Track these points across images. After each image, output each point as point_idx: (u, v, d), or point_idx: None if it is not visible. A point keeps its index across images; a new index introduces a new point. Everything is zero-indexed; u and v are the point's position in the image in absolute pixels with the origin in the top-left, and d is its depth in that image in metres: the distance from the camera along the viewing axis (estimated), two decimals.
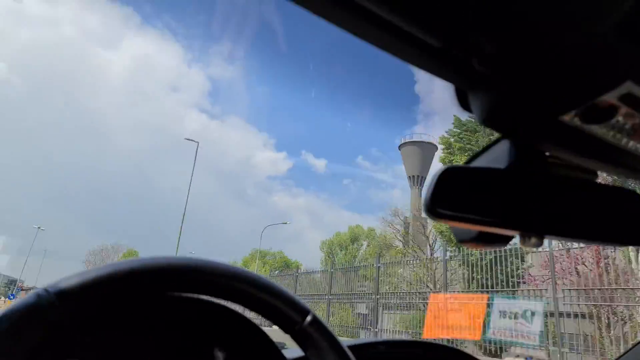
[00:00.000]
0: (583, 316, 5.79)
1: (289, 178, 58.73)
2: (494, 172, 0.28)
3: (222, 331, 0.49)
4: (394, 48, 0.26)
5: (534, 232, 0.28)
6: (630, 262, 6.30)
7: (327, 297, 10.43)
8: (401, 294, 8.70)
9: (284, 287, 0.45)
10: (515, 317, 5.74)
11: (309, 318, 0.43)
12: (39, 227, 35.03)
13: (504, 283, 7.00)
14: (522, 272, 7.39)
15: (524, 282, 7.27)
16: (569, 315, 5.66)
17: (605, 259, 5.58)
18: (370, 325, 8.91)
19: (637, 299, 5.63)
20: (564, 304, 5.63)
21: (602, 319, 5.71)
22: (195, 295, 0.44)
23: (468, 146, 12.57)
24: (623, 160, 0.28)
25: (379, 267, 9.05)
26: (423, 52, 0.25)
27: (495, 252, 7.17)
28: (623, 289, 5.31)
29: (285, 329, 0.43)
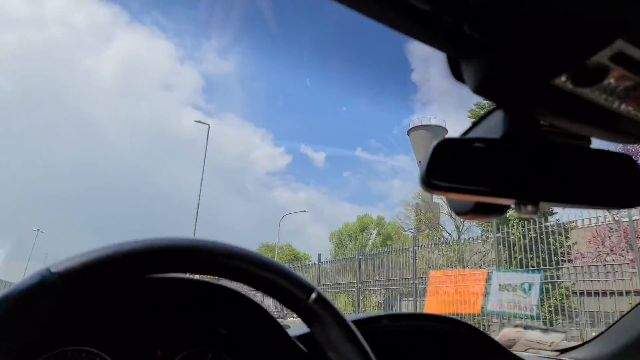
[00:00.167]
0: None
1: (288, 173, 59.09)
2: (488, 142, 0.29)
3: (225, 311, 0.51)
4: (383, 15, 0.26)
5: (530, 199, 0.28)
6: None
7: (356, 285, 9.97)
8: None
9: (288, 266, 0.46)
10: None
11: (313, 295, 0.44)
12: (38, 230, 34.64)
13: (548, 261, 6.70)
14: (566, 250, 7.08)
15: (569, 260, 6.97)
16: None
17: None
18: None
19: None
20: None
21: None
22: (199, 276, 0.46)
23: None
24: (616, 125, 0.28)
25: (415, 250, 8.73)
26: (414, 18, 0.25)
27: (537, 229, 6.87)
28: None
29: (290, 306, 0.44)
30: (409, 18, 0.25)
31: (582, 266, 6.57)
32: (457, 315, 6.61)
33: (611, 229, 6.32)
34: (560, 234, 6.95)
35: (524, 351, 0.95)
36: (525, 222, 7.06)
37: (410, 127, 36.75)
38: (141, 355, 0.50)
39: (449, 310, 7.04)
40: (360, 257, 10.25)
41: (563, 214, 7.78)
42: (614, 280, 5.92)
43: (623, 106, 0.26)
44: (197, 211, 15.25)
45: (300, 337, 0.52)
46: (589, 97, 0.26)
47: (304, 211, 28.51)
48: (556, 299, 6.72)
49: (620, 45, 0.22)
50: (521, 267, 6.97)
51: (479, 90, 0.28)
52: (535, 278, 6.15)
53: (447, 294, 7.40)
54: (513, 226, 7.54)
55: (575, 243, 7.24)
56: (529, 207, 0.28)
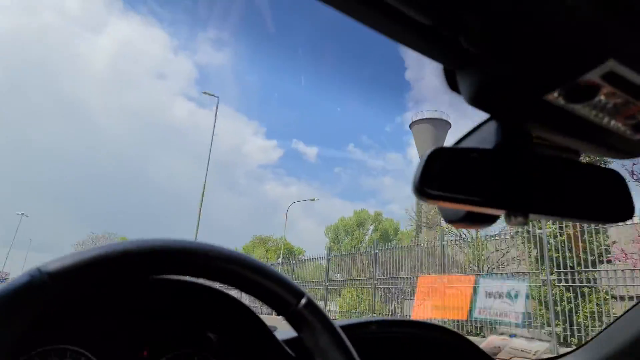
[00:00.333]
0: None
1: (280, 167, 59.65)
2: (481, 152, 0.30)
3: (214, 314, 0.52)
4: (383, 26, 0.27)
5: (520, 210, 0.29)
6: None
7: (372, 281, 9.13)
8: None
9: (280, 270, 0.50)
10: None
11: (303, 300, 0.45)
12: (22, 214, 33.68)
13: (586, 261, 6.15)
14: (605, 249, 6.53)
15: (608, 261, 6.45)
16: None
17: None
18: None
19: None
20: None
21: None
22: (188, 278, 0.46)
23: None
24: (606, 140, 0.29)
25: (443, 244, 7.98)
26: (412, 31, 0.26)
27: (574, 226, 6.30)
28: None
29: (279, 311, 0.45)
30: (408, 30, 0.26)
31: (622, 269, 6.05)
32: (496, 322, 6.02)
33: None
34: (598, 232, 6.41)
35: (508, 359, 0.98)
36: None
37: (413, 120, 36.36)
38: (127, 356, 0.50)
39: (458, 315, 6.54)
40: (377, 251, 9.42)
41: None
42: None
43: (613, 122, 0.27)
44: (202, 201, 14.42)
45: (288, 341, 0.53)
46: (580, 113, 0.27)
47: (314, 199, 27.73)
48: (594, 304, 6.19)
49: (611, 65, 0.23)
50: (557, 267, 6.45)
51: (473, 101, 0.29)
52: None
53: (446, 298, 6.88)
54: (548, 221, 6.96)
55: (614, 242, 6.76)
56: (519, 218, 0.29)
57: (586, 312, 6.18)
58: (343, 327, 0.46)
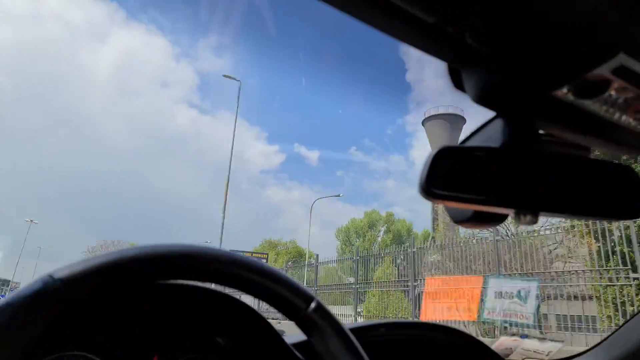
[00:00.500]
0: None
1: (282, 171, 60.41)
2: (488, 151, 0.30)
3: (222, 318, 0.53)
4: (387, 25, 0.27)
5: (529, 209, 0.29)
6: None
7: (410, 284, 8.14)
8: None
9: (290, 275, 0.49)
10: None
11: (313, 305, 0.45)
12: (31, 221, 34.10)
13: None
14: None
15: None
16: None
17: None
18: None
19: None
20: None
21: None
22: (197, 283, 0.49)
23: None
24: (616, 136, 0.29)
25: (497, 240, 7.02)
26: (417, 29, 0.26)
27: None
28: None
29: (289, 315, 0.46)
30: (412, 29, 0.26)
31: None
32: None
33: None
34: None
35: None
36: None
37: (425, 117, 36.09)
38: None
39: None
40: (414, 249, 8.47)
41: None
42: None
43: (624, 117, 0.27)
44: (225, 207, 13.89)
45: (297, 345, 0.53)
46: (589, 109, 0.27)
47: (339, 195, 27.46)
48: None
49: (622, 59, 0.23)
50: (623, 264, 5.75)
51: (479, 99, 0.29)
52: None
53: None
54: None
55: None
56: (528, 217, 0.29)
57: None
58: (352, 330, 0.46)
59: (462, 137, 0.34)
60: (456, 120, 33.63)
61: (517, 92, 0.28)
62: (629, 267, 5.70)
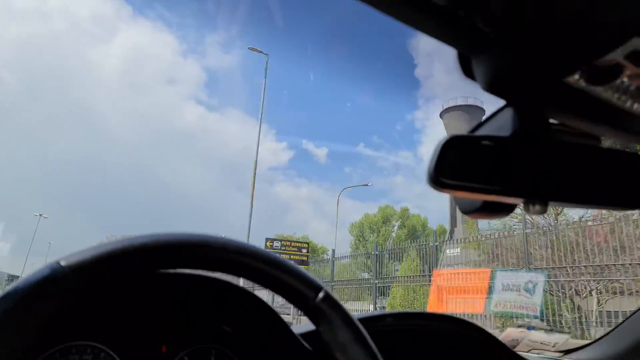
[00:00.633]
0: None
1: (290, 168, 60.96)
2: (498, 140, 0.30)
3: (230, 308, 0.54)
4: (394, 8, 0.27)
5: (539, 199, 0.29)
6: None
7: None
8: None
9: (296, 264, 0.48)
10: None
11: (321, 294, 0.46)
12: (40, 215, 34.15)
13: None
14: None
15: None
16: None
17: None
18: None
19: None
20: None
21: None
22: (205, 272, 0.48)
23: None
24: (628, 124, 0.29)
25: (545, 232, 6.52)
26: (426, 12, 0.26)
27: None
28: None
29: (298, 305, 0.46)
30: (422, 13, 0.26)
31: None
32: None
33: None
34: None
35: (527, 352, 0.96)
36: None
37: (444, 108, 35.54)
38: (146, 352, 0.52)
39: None
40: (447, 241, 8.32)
41: None
42: None
43: (636, 105, 0.27)
44: (252, 203, 13.42)
45: (305, 335, 0.54)
46: (601, 96, 0.27)
47: (367, 184, 27.61)
48: None
49: (635, 43, 0.23)
50: None
51: (489, 87, 0.29)
52: None
53: None
54: None
55: None
56: (538, 207, 0.29)
57: None
58: (359, 321, 0.47)
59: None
60: (475, 112, 32.97)
61: (528, 79, 0.28)
62: None
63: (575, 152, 0.31)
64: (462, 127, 32.65)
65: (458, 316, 0.79)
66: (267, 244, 12.41)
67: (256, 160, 13.95)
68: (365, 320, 0.53)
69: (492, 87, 0.28)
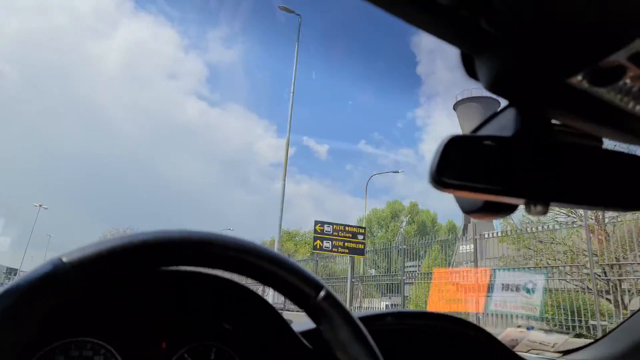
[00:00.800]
0: None
1: (291, 164, 61.55)
2: (500, 140, 0.30)
3: (230, 305, 0.55)
4: (401, 9, 0.27)
5: (540, 199, 0.30)
6: None
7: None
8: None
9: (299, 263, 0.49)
10: None
11: (322, 293, 0.47)
12: (40, 205, 33.17)
13: None
14: None
15: None
16: None
17: None
18: None
19: None
20: None
21: None
22: (205, 270, 0.48)
23: None
24: (631, 126, 0.29)
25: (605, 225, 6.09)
26: (429, 11, 0.27)
27: None
28: None
29: (299, 303, 0.47)
30: (426, 12, 0.26)
31: None
32: None
33: None
34: None
35: (526, 352, 0.98)
36: None
37: (458, 100, 35.13)
38: (146, 348, 0.53)
39: None
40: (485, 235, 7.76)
41: None
42: None
43: (638, 107, 0.27)
44: (282, 201, 11.85)
45: (305, 333, 0.55)
46: (604, 97, 0.27)
47: (397, 172, 26.73)
48: None
49: (639, 45, 0.24)
50: None
51: (492, 87, 0.29)
52: None
53: None
54: None
55: None
56: (539, 207, 0.30)
57: None
58: (360, 319, 0.48)
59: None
60: (491, 103, 32.52)
61: (531, 79, 0.28)
62: None
63: (577, 153, 0.31)
64: (476, 119, 32.14)
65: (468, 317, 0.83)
66: (317, 227, 10.63)
67: (287, 150, 12.70)
68: (366, 319, 0.54)
69: (494, 87, 0.29)
